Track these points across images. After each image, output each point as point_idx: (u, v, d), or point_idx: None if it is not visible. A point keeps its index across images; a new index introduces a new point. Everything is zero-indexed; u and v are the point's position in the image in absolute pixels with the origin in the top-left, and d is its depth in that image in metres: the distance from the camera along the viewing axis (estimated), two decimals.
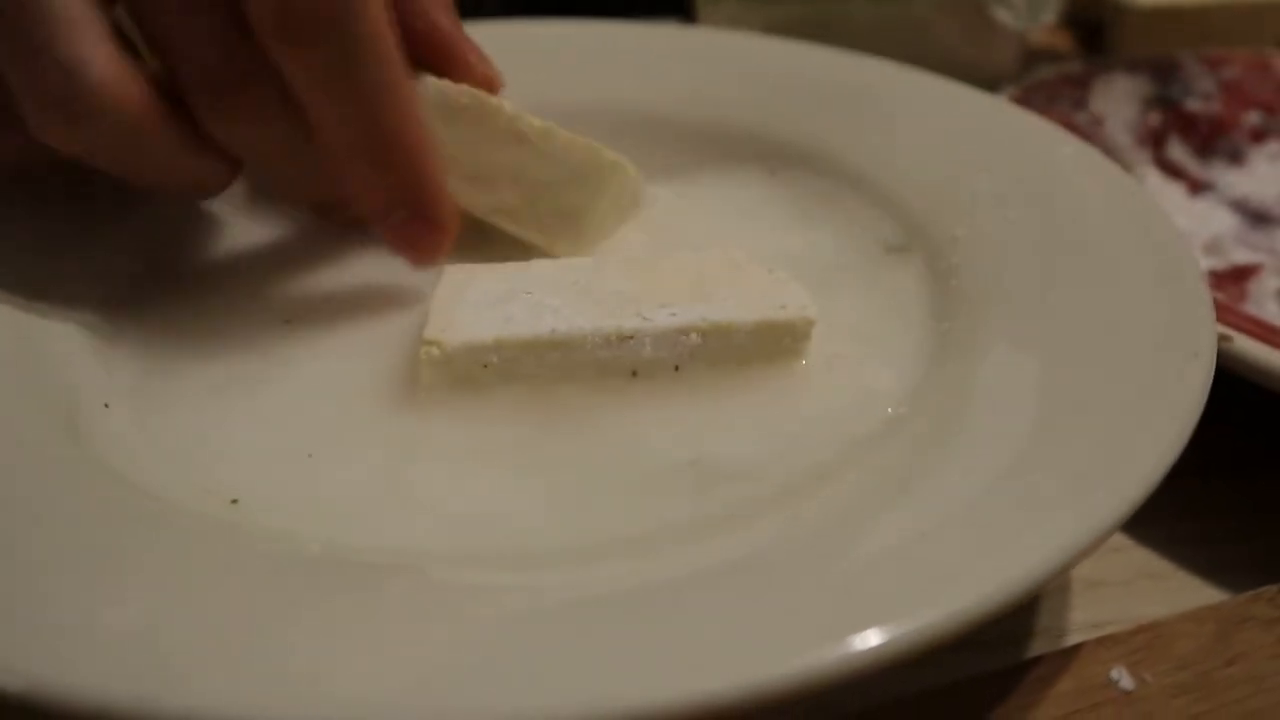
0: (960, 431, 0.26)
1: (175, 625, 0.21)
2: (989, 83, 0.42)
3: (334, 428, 0.29)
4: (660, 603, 0.22)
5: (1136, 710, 0.25)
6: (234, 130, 0.30)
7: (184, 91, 0.29)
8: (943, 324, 0.31)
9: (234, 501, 0.26)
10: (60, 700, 0.19)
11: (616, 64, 0.44)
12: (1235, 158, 0.49)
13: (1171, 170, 0.48)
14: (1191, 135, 0.50)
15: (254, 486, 0.27)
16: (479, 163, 0.34)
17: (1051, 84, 0.51)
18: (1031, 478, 0.24)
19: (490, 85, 0.35)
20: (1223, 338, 0.31)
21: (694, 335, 0.29)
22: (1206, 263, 0.42)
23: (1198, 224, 0.44)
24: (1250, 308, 0.39)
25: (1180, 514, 0.32)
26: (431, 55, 0.33)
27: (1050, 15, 0.55)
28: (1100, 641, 0.27)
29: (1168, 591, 0.30)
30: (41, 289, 0.32)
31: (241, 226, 0.37)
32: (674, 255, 0.32)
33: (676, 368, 0.30)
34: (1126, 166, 0.43)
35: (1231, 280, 0.41)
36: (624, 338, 0.29)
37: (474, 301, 0.30)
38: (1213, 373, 0.26)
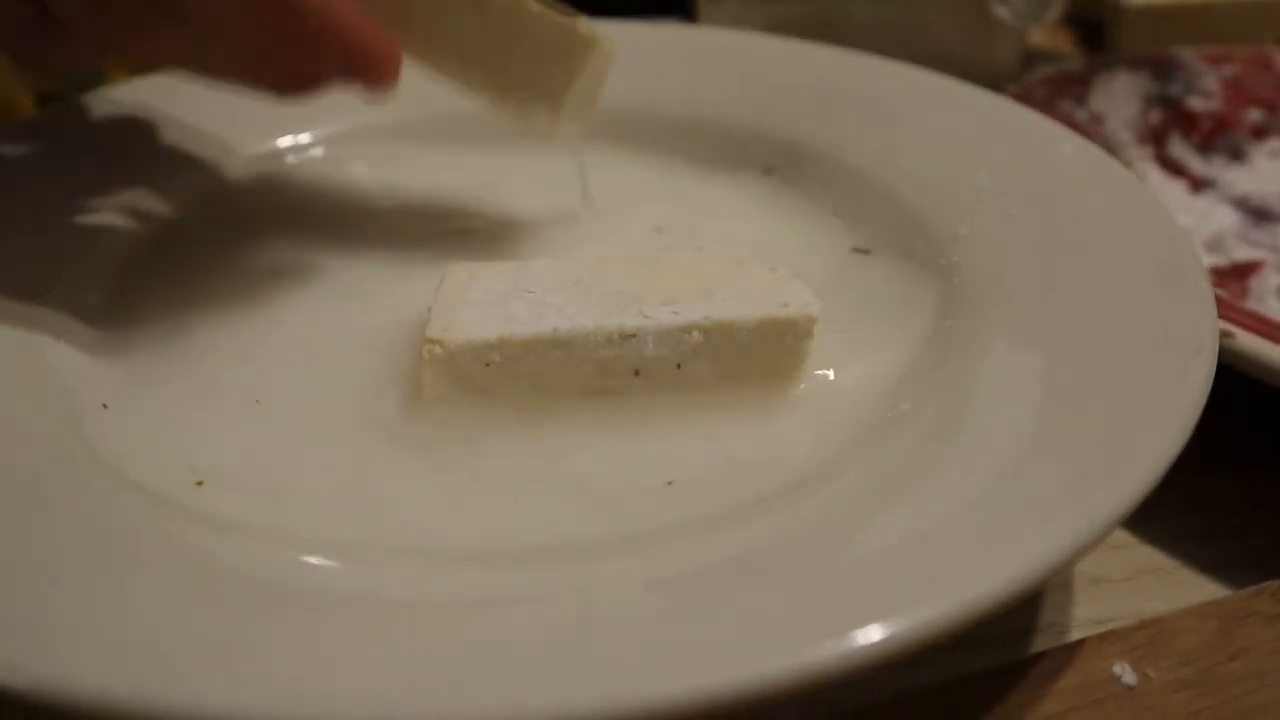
0: (962, 428, 0.26)
1: (176, 624, 0.21)
2: (990, 81, 0.42)
3: (336, 427, 0.29)
4: (661, 600, 0.22)
5: (1139, 706, 0.25)
6: None
7: None
8: (945, 321, 0.31)
9: (234, 501, 0.26)
10: (62, 698, 0.19)
11: (617, 63, 0.44)
12: (1236, 155, 0.49)
13: (1172, 168, 0.48)
14: (1192, 133, 0.50)
15: (255, 486, 0.27)
16: (449, 33, 0.33)
17: (1052, 82, 0.51)
18: (1034, 474, 0.24)
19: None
20: (1224, 334, 0.31)
21: (696, 333, 0.29)
22: (1208, 260, 0.42)
23: (1199, 221, 0.44)
24: (1252, 304, 0.39)
25: (1182, 510, 0.32)
26: None
27: (1051, 14, 0.55)
28: (1103, 637, 0.27)
29: (1170, 587, 0.30)
30: (41, 289, 0.32)
31: (242, 227, 0.37)
32: (676, 253, 0.32)
33: (679, 366, 0.30)
34: (1127, 164, 0.43)
35: (1233, 277, 0.41)
36: (626, 336, 0.29)
37: (476, 300, 0.30)
38: (1214, 369, 0.26)
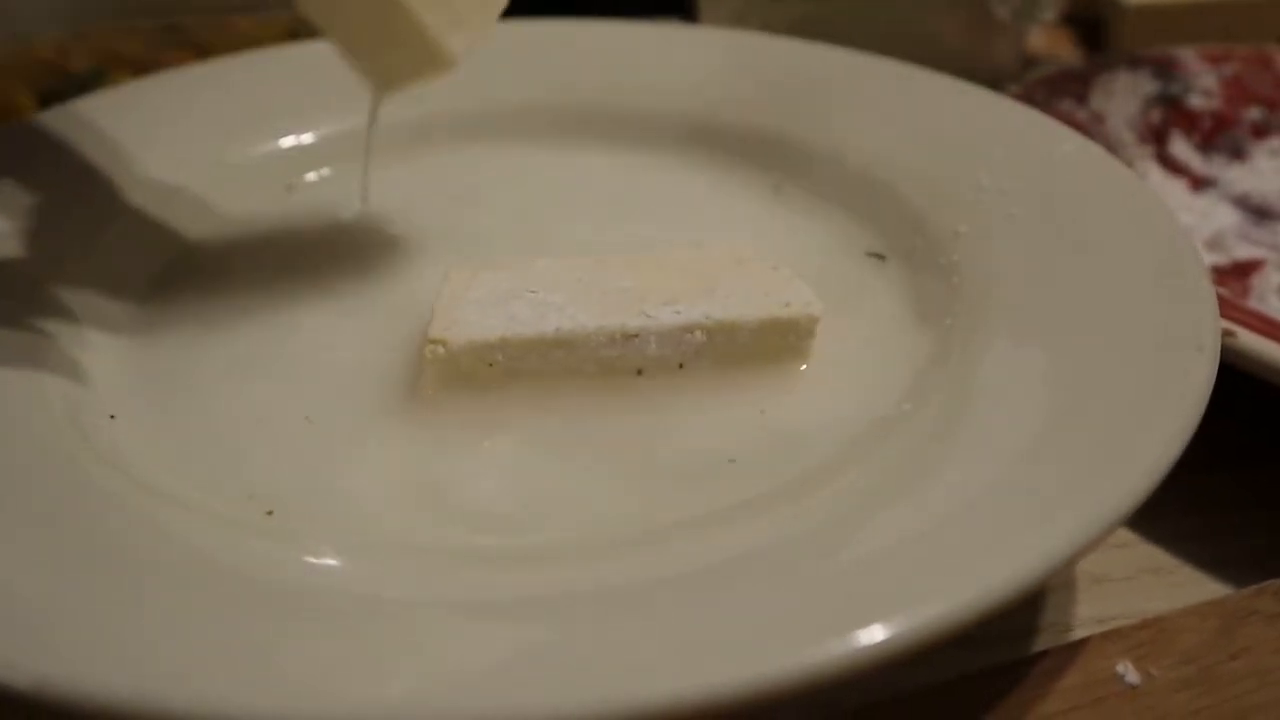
0: (964, 427, 0.26)
1: (180, 623, 0.21)
2: (990, 81, 0.42)
3: (338, 427, 0.29)
4: (663, 599, 0.22)
5: (1141, 705, 0.25)
6: None
7: None
8: (945, 320, 0.31)
9: (237, 500, 0.26)
10: (66, 698, 0.19)
11: (617, 63, 0.44)
12: (1237, 154, 0.49)
13: (1173, 167, 0.48)
14: (1193, 131, 0.50)
15: (256, 485, 0.27)
16: None
17: (1052, 81, 0.51)
18: (1035, 473, 0.24)
19: None
20: (1226, 333, 0.31)
21: (699, 333, 0.29)
22: (1209, 259, 0.42)
23: (1200, 220, 0.44)
24: (1253, 303, 0.39)
25: (1184, 509, 0.32)
26: None
27: (1050, 13, 0.55)
28: (1105, 636, 0.27)
29: (1172, 586, 0.30)
30: (43, 291, 0.32)
31: (243, 228, 0.37)
32: (678, 252, 0.32)
33: (681, 365, 0.30)
34: (1128, 163, 0.43)
35: (1234, 276, 0.41)
36: (629, 336, 0.29)
37: (478, 300, 0.30)
38: (1216, 367, 0.26)
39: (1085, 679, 0.26)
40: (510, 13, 0.47)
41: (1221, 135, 0.50)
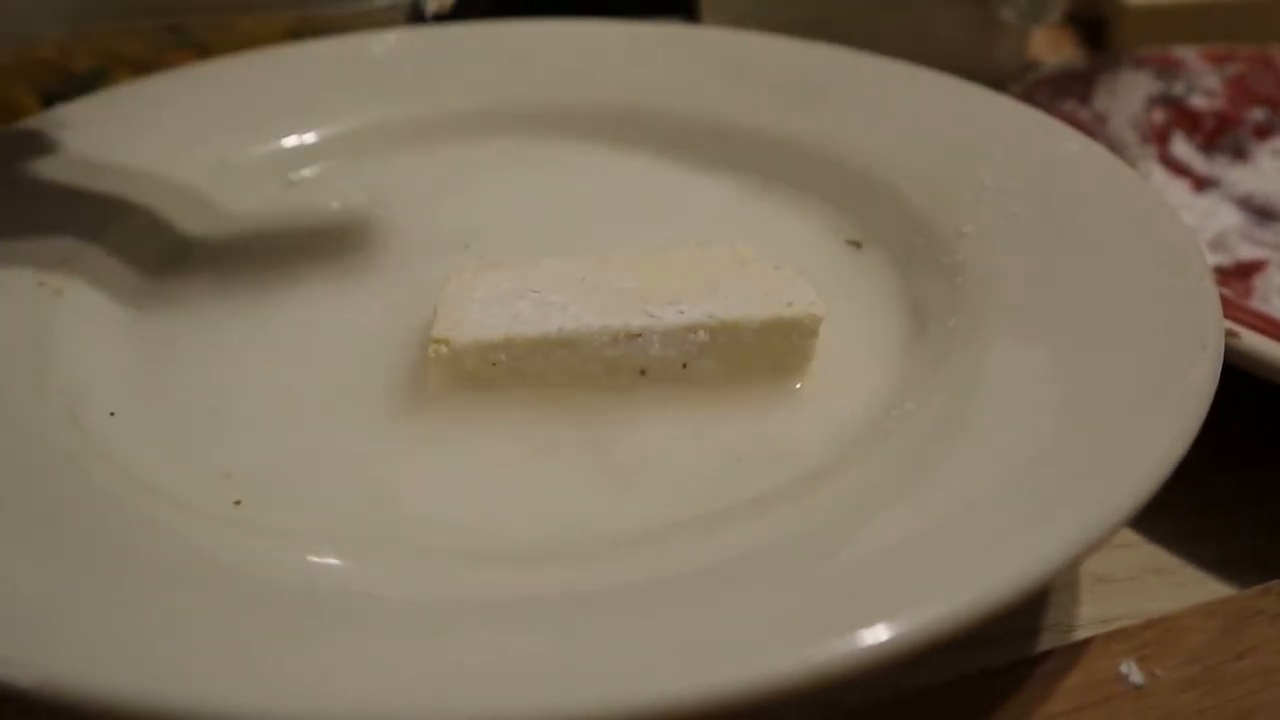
0: (967, 427, 0.26)
1: (181, 622, 0.21)
2: (992, 81, 0.42)
3: (340, 426, 0.29)
4: (664, 599, 0.22)
5: (1145, 705, 0.25)
6: None
7: None
8: (949, 320, 0.31)
9: (237, 502, 0.26)
10: (68, 696, 0.19)
11: (621, 63, 0.44)
12: (1240, 154, 0.49)
13: (1176, 167, 0.48)
14: (1196, 132, 0.49)
15: (258, 485, 0.27)
16: None
17: (1055, 82, 0.51)
18: (1039, 473, 0.24)
19: None
20: (1229, 333, 0.31)
21: (702, 333, 0.29)
22: (1212, 259, 0.42)
23: (1203, 220, 0.44)
24: (1256, 304, 0.39)
25: (1188, 510, 0.32)
26: None
27: (1053, 14, 0.55)
28: (1110, 636, 0.27)
29: (1176, 587, 0.30)
30: (45, 291, 0.32)
31: (247, 229, 0.37)
32: (681, 252, 0.32)
33: (684, 365, 0.30)
34: (1130, 163, 0.43)
35: (1237, 276, 0.41)
36: (632, 335, 0.29)
37: (482, 300, 0.30)
38: (1220, 366, 0.26)
39: (1089, 679, 0.26)
40: (512, 12, 0.47)
41: (1224, 135, 0.50)
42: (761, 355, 0.30)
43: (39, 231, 0.34)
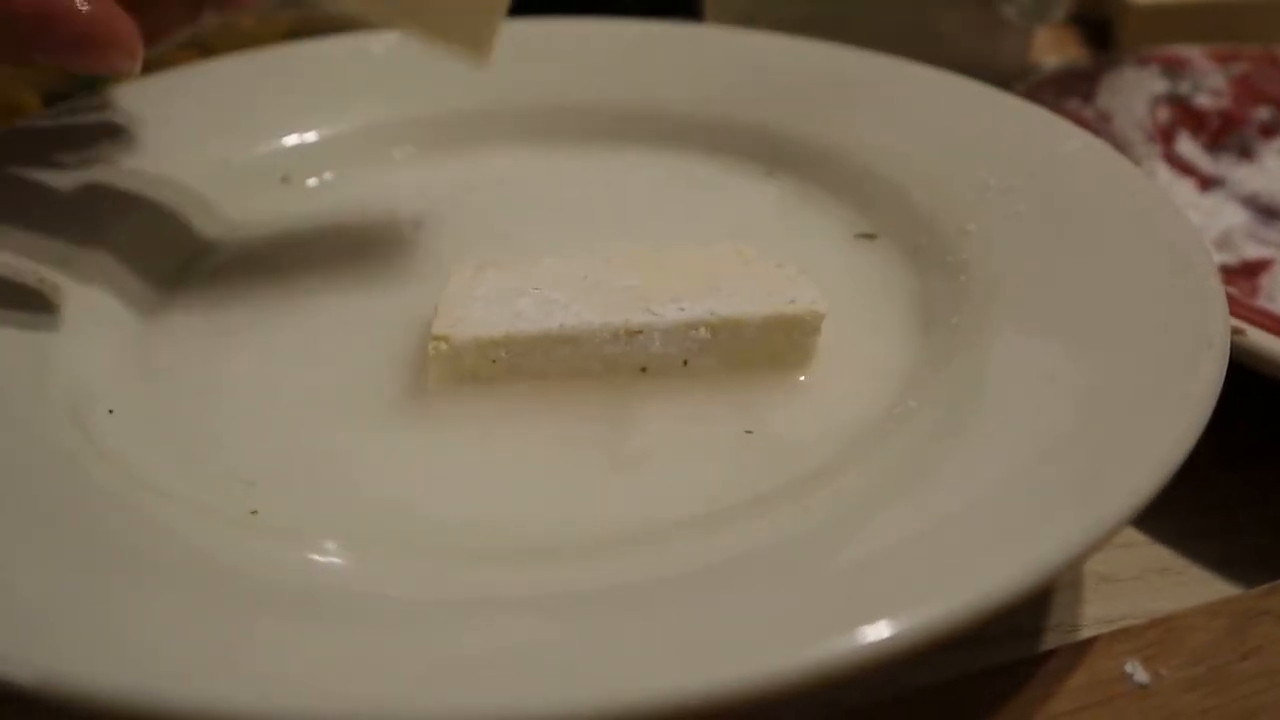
0: (971, 425, 0.26)
1: (183, 620, 0.21)
2: (996, 81, 0.42)
3: (342, 424, 0.29)
4: (665, 597, 0.22)
5: (1150, 705, 0.25)
6: None
7: None
8: (952, 318, 0.31)
9: (240, 497, 0.26)
10: (68, 693, 0.19)
11: (618, 62, 0.44)
12: (1245, 153, 0.49)
13: (1181, 166, 0.48)
14: (1201, 131, 0.49)
15: (259, 482, 0.27)
16: None
17: (1059, 81, 0.51)
18: (1042, 471, 0.24)
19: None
20: (1235, 331, 0.31)
21: (703, 330, 0.29)
22: (1218, 258, 0.42)
23: (1208, 219, 0.44)
24: (1262, 302, 0.38)
25: (1193, 509, 0.32)
26: None
27: (1058, 13, 0.55)
28: (1114, 635, 0.26)
29: (1180, 586, 0.30)
30: (45, 290, 0.32)
31: (248, 227, 0.37)
32: (682, 250, 0.32)
33: (685, 363, 0.30)
34: (1135, 162, 0.43)
35: (1243, 275, 0.41)
36: (632, 333, 0.29)
37: (483, 297, 0.30)
38: (1226, 363, 0.26)
39: (1093, 678, 0.25)
40: (514, 12, 0.47)
41: (1230, 135, 0.49)
42: (763, 352, 0.30)
43: (40, 231, 0.34)
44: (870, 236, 0.36)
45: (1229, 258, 0.42)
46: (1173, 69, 0.51)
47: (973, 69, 0.43)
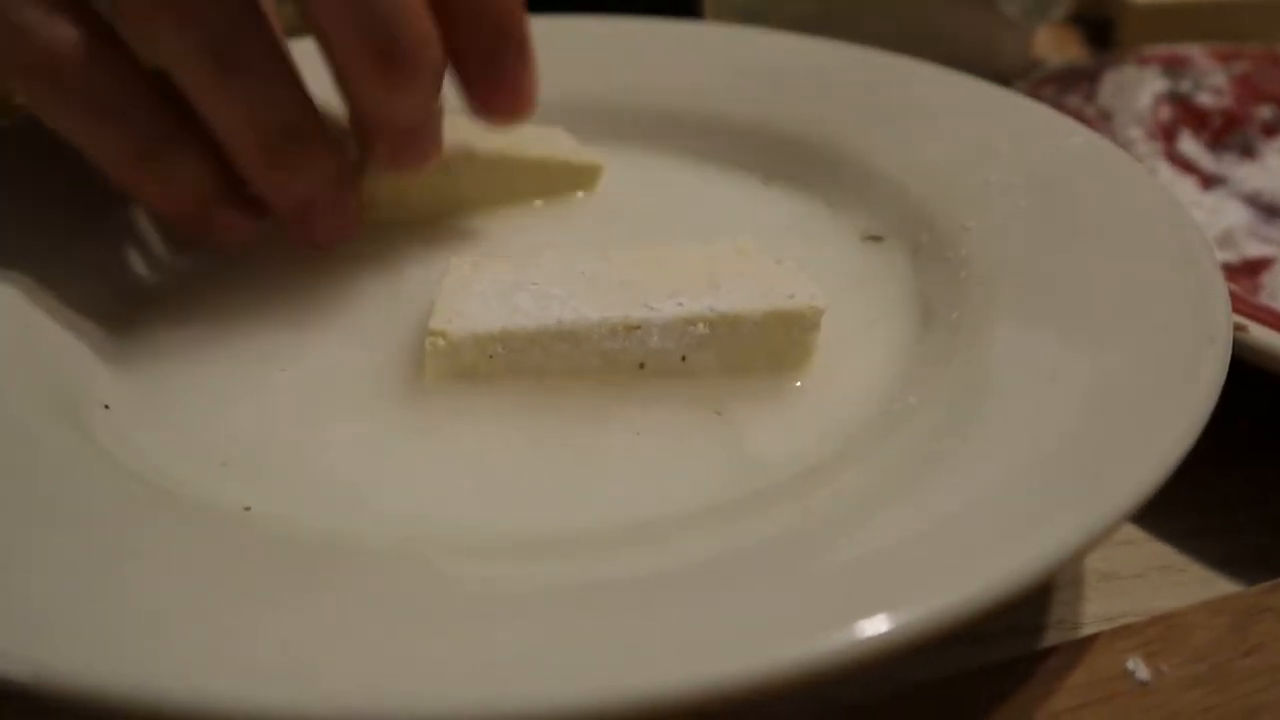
0: (971, 420, 0.26)
1: (182, 615, 0.21)
2: (997, 79, 0.42)
3: (339, 419, 0.29)
4: (663, 592, 0.22)
5: (1151, 702, 0.25)
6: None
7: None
8: (952, 314, 0.31)
9: (233, 493, 0.26)
10: (65, 690, 0.19)
11: (618, 60, 0.44)
12: (1247, 152, 0.49)
13: (1182, 165, 0.48)
14: (1202, 130, 0.49)
15: (258, 476, 0.27)
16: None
17: (1060, 79, 0.51)
18: (1043, 465, 0.24)
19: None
20: (1238, 327, 0.31)
21: (701, 325, 0.29)
22: (1219, 257, 0.41)
23: (1210, 217, 0.44)
24: (1264, 300, 0.38)
25: (1195, 507, 0.32)
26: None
27: (1058, 12, 0.55)
28: (1116, 632, 0.26)
29: (1182, 584, 0.30)
30: (45, 286, 0.32)
31: None
32: (682, 245, 0.32)
33: (684, 358, 0.30)
34: (1137, 160, 0.43)
35: (1245, 273, 0.41)
36: (631, 328, 0.29)
37: (480, 292, 0.30)
38: (1229, 359, 0.26)
39: (1094, 675, 0.25)
40: None
41: (1232, 133, 0.49)
42: (762, 348, 0.30)
43: (39, 229, 0.33)
44: (877, 239, 0.36)
45: (1230, 256, 0.42)
46: (1174, 68, 0.51)
47: (973, 67, 0.42)
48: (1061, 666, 0.26)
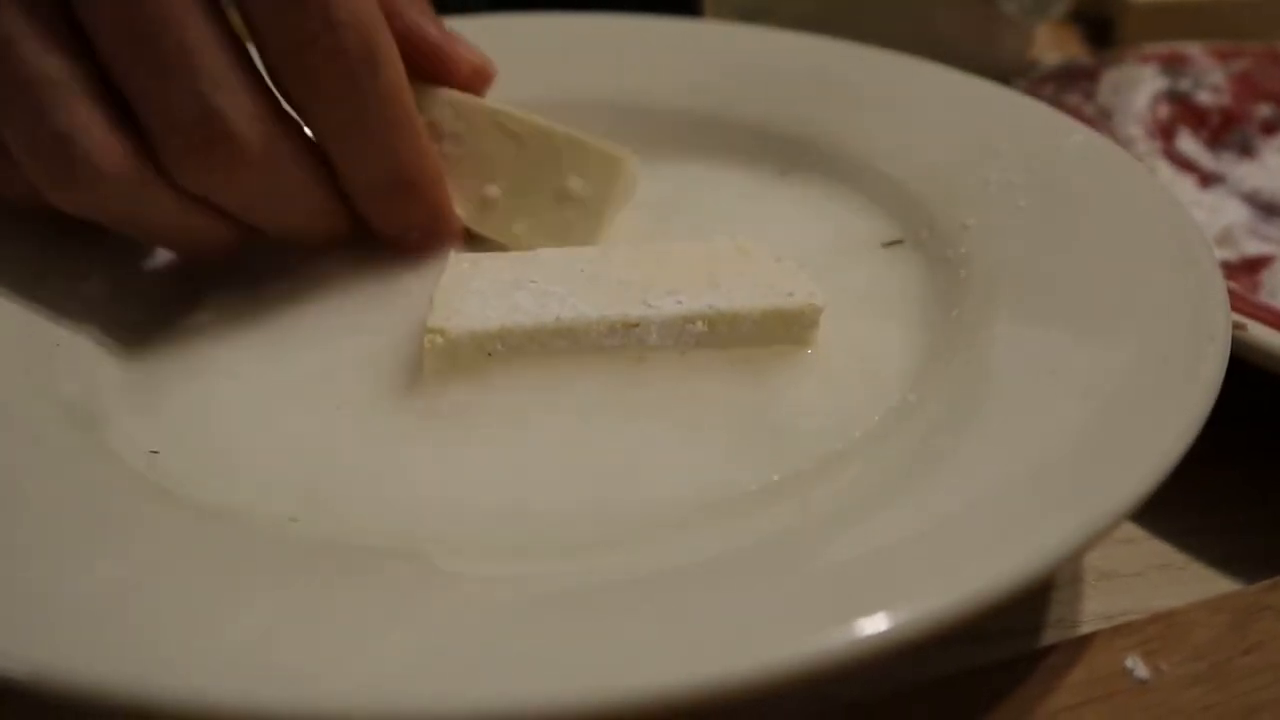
0: (970, 419, 0.26)
1: (180, 614, 0.21)
2: (997, 78, 0.42)
3: (337, 415, 0.29)
4: (662, 590, 0.22)
5: (1151, 700, 0.25)
6: (208, 184, 0.29)
7: (155, 149, 0.28)
8: (952, 312, 0.31)
9: (229, 490, 0.26)
10: (64, 688, 0.19)
11: (618, 58, 0.44)
12: (1246, 150, 0.49)
13: (1181, 163, 0.48)
14: (1201, 128, 0.49)
15: (257, 474, 0.27)
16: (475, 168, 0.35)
17: (1060, 77, 0.51)
18: (1043, 464, 0.24)
19: (483, 76, 0.35)
20: (1237, 326, 0.31)
21: (700, 323, 0.29)
22: (1218, 254, 0.41)
23: (1209, 216, 0.44)
24: (1263, 298, 0.38)
25: (1194, 505, 0.32)
26: (418, 58, 0.33)
27: (1058, 10, 0.55)
28: (1115, 630, 0.26)
29: (1181, 583, 0.30)
30: (47, 286, 0.32)
31: None
32: (681, 243, 0.32)
33: (682, 356, 0.29)
34: (1136, 159, 0.43)
35: (1244, 271, 0.41)
36: (629, 326, 0.29)
37: (479, 289, 0.30)
38: (1228, 357, 0.26)
39: (1094, 674, 0.25)
40: (514, 7, 0.47)
41: (1231, 132, 0.49)
42: (761, 347, 0.30)
43: (39, 229, 0.33)
44: (896, 243, 0.36)
45: (1230, 254, 0.42)
46: (1173, 66, 0.51)
47: (973, 66, 0.42)
48: (1061, 665, 0.25)
